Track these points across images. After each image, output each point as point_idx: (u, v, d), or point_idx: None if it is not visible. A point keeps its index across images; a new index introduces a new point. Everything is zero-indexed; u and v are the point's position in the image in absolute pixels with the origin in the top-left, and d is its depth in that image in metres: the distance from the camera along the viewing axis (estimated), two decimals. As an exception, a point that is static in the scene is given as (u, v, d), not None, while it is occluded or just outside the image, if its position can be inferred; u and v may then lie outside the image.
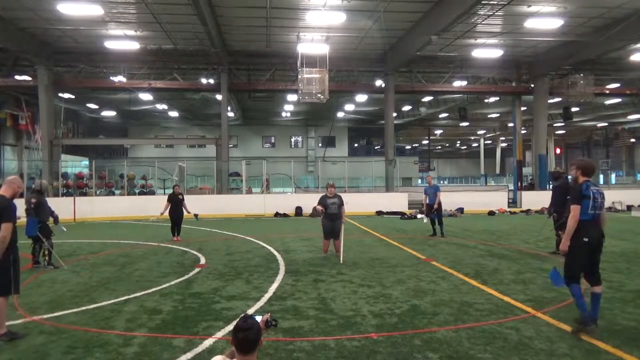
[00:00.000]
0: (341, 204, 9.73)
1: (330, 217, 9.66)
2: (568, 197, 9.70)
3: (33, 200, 8.68)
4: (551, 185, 10.79)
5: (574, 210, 4.95)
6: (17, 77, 23.73)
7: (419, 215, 19.67)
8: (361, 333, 5.00)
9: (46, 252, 8.74)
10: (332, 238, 9.81)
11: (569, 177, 9.32)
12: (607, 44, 18.83)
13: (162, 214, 12.67)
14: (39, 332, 5.12)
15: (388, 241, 12.27)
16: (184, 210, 12.71)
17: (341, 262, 9.14)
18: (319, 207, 9.69)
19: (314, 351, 4.52)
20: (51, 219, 9.30)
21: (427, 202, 13.09)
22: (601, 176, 47.90)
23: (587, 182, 5.06)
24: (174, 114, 37.97)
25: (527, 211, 21.73)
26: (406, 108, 37.17)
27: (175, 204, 12.59)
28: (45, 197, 9.19)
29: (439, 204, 12.86)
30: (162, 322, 5.42)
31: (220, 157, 24.33)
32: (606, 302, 6.08)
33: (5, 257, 4.76)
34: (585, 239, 4.91)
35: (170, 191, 14.59)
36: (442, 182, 63.23)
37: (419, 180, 52.41)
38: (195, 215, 13.64)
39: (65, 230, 9.84)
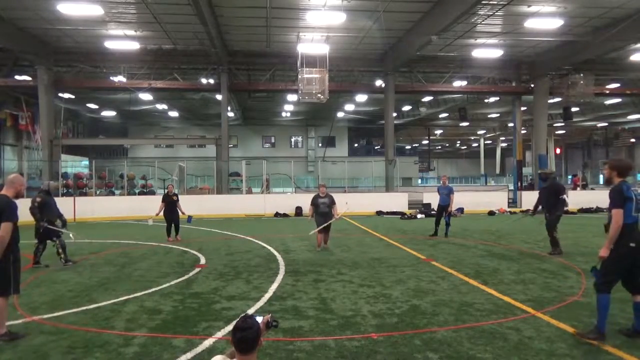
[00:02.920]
0: (331, 203, 10.78)
1: (322, 214, 10.77)
2: (560, 196, 9.82)
3: (38, 200, 8.74)
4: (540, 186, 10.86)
5: (617, 215, 4.58)
6: (17, 77, 23.72)
7: (419, 215, 19.68)
8: (361, 333, 5.00)
9: (60, 251, 8.78)
10: (323, 232, 10.83)
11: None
12: (607, 44, 18.83)
13: (157, 214, 12.67)
14: (39, 332, 5.12)
15: (388, 241, 12.27)
16: (179, 210, 12.60)
17: (327, 246, 10.82)
18: (309, 214, 11.10)
19: (314, 351, 4.52)
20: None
21: (440, 202, 12.99)
22: (601, 176, 47.89)
23: (626, 183, 4.73)
24: (174, 114, 37.97)
25: (527, 211, 21.69)
26: (406, 108, 37.19)
27: (170, 204, 12.49)
28: (53, 198, 9.23)
29: (448, 206, 12.72)
30: (162, 322, 5.42)
31: (220, 157, 24.33)
32: (606, 302, 6.09)
33: (5, 257, 4.74)
34: (632, 244, 4.58)
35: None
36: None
37: (419, 180, 52.43)
38: (189, 217, 13.51)
39: (72, 238, 9.81)
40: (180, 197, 13.41)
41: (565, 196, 10.07)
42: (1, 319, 4.86)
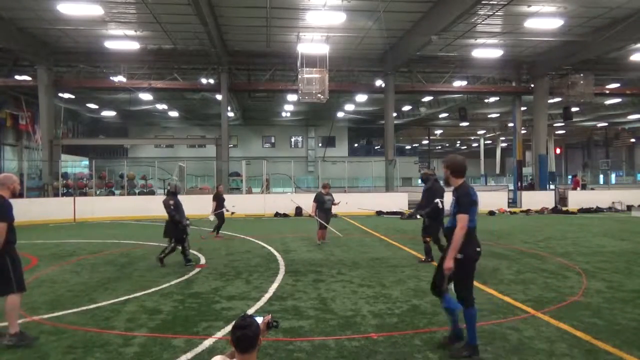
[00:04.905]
0: (332, 200, 11.89)
1: (325, 211, 11.70)
2: (436, 200, 8.79)
3: (171, 202, 9.05)
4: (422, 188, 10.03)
5: (464, 221, 4.24)
6: (17, 77, 23.73)
7: (418, 215, 19.64)
8: (361, 333, 5.00)
9: (187, 250, 8.97)
10: (324, 228, 11.65)
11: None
12: (607, 44, 18.83)
13: (213, 212, 13.24)
14: (39, 332, 5.11)
15: (388, 241, 12.27)
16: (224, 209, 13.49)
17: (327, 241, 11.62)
18: (313, 211, 11.70)
19: (314, 351, 4.52)
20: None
21: None
22: (601, 176, 47.89)
23: (470, 186, 4.48)
24: (174, 114, 37.97)
25: (527, 211, 21.73)
26: (406, 108, 37.17)
27: (221, 202, 13.39)
28: (178, 198, 9.42)
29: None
30: (162, 322, 5.42)
31: (220, 157, 24.33)
32: (606, 302, 6.10)
33: (2, 257, 4.67)
34: (478, 249, 4.38)
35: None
36: (442, 182, 63.10)
37: (419, 181, 52.31)
38: (232, 213, 14.44)
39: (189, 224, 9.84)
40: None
41: (439, 200, 8.84)
42: (11, 319, 4.74)
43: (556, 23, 17.91)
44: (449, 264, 4.24)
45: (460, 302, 4.37)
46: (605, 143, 53.92)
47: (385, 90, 24.18)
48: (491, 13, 16.89)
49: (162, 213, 18.25)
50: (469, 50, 21.79)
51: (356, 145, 54.16)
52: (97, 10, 16.15)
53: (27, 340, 4.73)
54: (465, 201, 4.32)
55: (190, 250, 10.72)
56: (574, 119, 35.47)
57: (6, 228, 4.70)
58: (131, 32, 19.37)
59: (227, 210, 13.62)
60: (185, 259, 9.08)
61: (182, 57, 22.97)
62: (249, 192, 24.99)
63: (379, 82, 25.43)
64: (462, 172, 4.49)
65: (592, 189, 29.44)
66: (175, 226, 9.03)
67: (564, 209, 22.10)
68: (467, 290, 4.35)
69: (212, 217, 13.54)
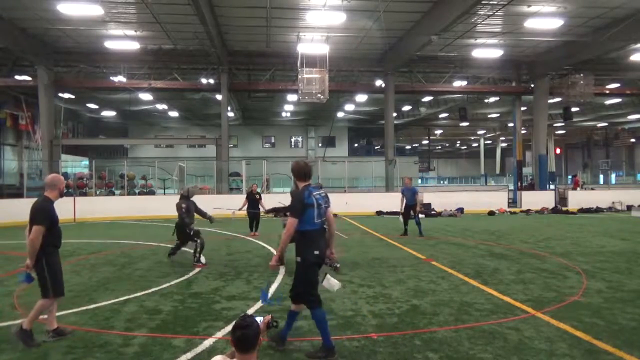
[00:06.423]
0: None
1: None
2: None
3: (183, 206, 9.24)
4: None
5: (290, 223, 4.34)
6: (17, 77, 23.70)
7: (420, 215, 19.65)
8: (361, 333, 5.01)
9: (198, 250, 9.11)
10: None
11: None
12: (607, 44, 18.82)
13: (240, 209, 13.45)
14: (39, 332, 5.10)
15: (388, 241, 12.28)
16: (260, 207, 13.61)
17: None
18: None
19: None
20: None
21: (407, 202, 13.57)
22: (601, 176, 47.91)
23: (310, 188, 4.48)
24: (174, 114, 37.95)
25: (527, 211, 21.72)
26: (406, 108, 37.17)
27: (252, 201, 13.61)
28: (192, 201, 9.57)
29: (414, 206, 13.39)
30: (162, 322, 5.42)
31: (220, 157, 24.32)
32: (606, 302, 6.10)
33: (38, 261, 4.67)
34: (316, 252, 4.41)
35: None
36: (442, 182, 63.31)
37: (419, 180, 52.44)
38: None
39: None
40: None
41: None
42: (50, 317, 4.92)
43: (556, 23, 17.92)
44: (274, 261, 4.55)
45: (307, 304, 4.50)
46: (605, 143, 53.93)
47: (385, 90, 24.17)
48: (491, 13, 16.88)
49: (161, 213, 18.31)
50: (469, 50, 21.79)
51: (356, 145, 54.16)
52: (97, 10, 16.14)
53: (62, 332, 4.95)
54: (295, 205, 4.44)
55: (190, 250, 10.74)
56: (574, 119, 35.49)
57: (42, 231, 4.65)
58: (131, 32, 19.37)
59: (265, 209, 13.58)
60: (195, 257, 9.29)
61: (182, 57, 22.97)
62: (249, 192, 24.94)
63: (379, 82, 25.43)
64: (303, 176, 4.57)
65: (592, 189, 29.44)
66: (184, 229, 9.21)
67: (564, 209, 22.10)
68: (306, 293, 4.44)
69: (234, 213, 13.62)
